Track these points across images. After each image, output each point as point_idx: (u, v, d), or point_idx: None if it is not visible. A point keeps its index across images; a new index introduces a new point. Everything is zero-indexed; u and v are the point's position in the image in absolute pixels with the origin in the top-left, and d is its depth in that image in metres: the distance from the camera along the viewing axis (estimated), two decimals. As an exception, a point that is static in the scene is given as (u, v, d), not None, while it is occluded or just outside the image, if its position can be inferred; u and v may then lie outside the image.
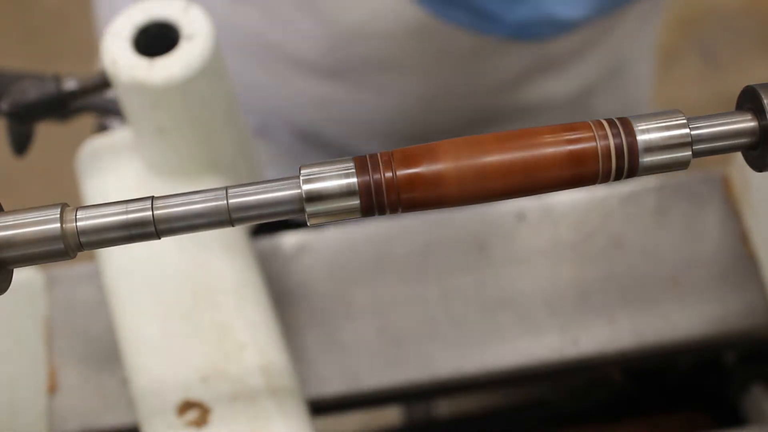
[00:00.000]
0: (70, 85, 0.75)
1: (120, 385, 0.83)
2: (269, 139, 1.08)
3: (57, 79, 0.75)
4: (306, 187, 0.49)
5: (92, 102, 0.81)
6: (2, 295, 0.50)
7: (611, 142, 0.50)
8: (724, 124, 0.51)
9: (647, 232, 0.89)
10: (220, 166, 0.79)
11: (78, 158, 0.83)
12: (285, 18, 0.95)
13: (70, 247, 0.49)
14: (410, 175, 0.49)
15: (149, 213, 0.49)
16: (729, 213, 0.90)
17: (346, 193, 0.49)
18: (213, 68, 0.72)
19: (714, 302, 0.86)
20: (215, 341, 0.72)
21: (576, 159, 0.50)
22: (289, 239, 0.91)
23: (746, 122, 0.51)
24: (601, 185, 0.52)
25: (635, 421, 1.04)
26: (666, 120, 0.50)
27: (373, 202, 0.50)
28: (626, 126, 0.50)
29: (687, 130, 0.50)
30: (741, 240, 0.88)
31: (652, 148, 0.50)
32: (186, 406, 0.70)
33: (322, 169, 0.50)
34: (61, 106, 0.75)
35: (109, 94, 0.76)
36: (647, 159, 0.50)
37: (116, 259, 0.77)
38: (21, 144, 0.79)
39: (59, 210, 0.49)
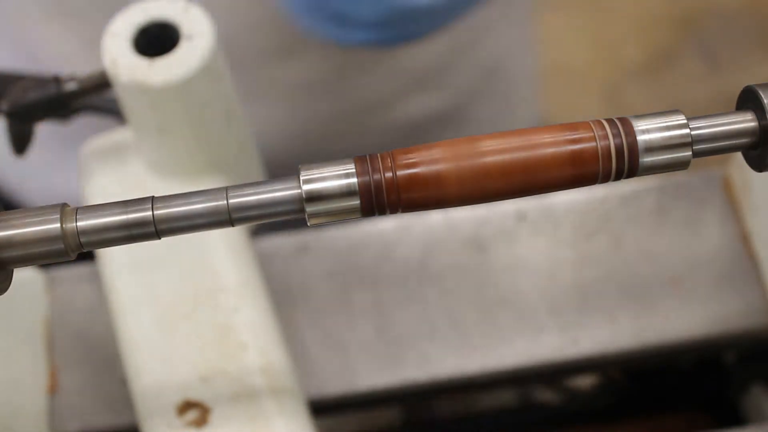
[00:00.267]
0: (70, 85, 0.75)
1: (120, 385, 0.83)
2: None
3: (57, 79, 0.75)
4: (306, 187, 0.49)
5: (92, 102, 0.81)
6: (2, 295, 0.50)
7: (611, 142, 0.50)
8: (724, 124, 0.51)
9: (647, 232, 0.89)
10: (220, 166, 0.79)
11: (78, 158, 0.83)
12: None
13: (70, 247, 0.49)
14: (410, 175, 0.49)
15: (149, 213, 0.49)
16: (729, 213, 0.90)
17: (346, 193, 0.49)
18: (213, 68, 0.72)
19: (714, 302, 0.86)
20: (215, 341, 0.72)
21: (576, 159, 0.50)
22: (289, 239, 0.91)
23: (746, 122, 0.51)
24: (601, 185, 0.52)
25: (635, 421, 1.04)
26: (666, 120, 0.50)
27: (373, 202, 0.50)
28: (626, 126, 0.50)
29: (687, 130, 0.50)
30: (741, 240, 0.88)
31: (653, 148, 0.50)
32: (186, 406, 0.70)
33: (322, 169, 0.50)
34: (61, 106, 0.75)
35: (109, 94, 0.76)
36: (647, 159, 0.50)
37: (116, 259, 0.77)
38: (21, 144, 0.79)
39: (59, 210, 0.49)
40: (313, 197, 0.49)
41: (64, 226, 0.48)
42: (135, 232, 0.49)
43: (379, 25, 0.87)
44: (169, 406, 0.70)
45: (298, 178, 0.49)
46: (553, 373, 0.93)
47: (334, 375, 0.85)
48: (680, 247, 0.88)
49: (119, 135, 0.81)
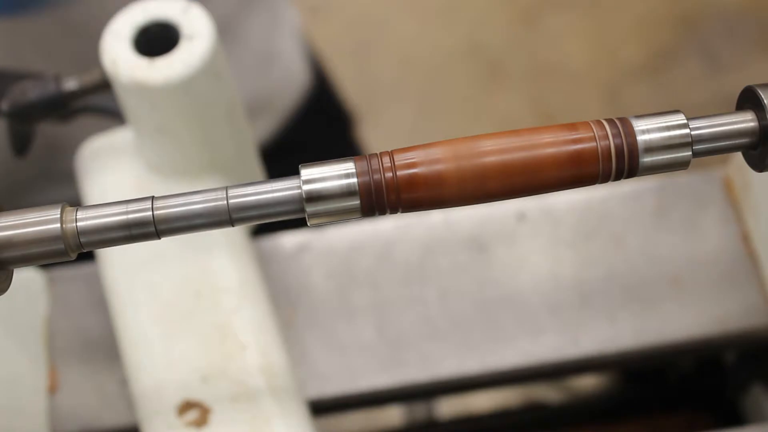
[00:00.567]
0: (70, 85, 0.75)
1: (120, 385, 0.83)
2: None
3: (57, 79, 0.75)
4: (306, 187, 0.49)
5: (92, 102, 0.81)
6: (2, 295, 0.50)
7: (611, 142, 0.50)
8: (724, 124, 0.51)
9: (647, 232, 0.89)
10: (220, 166, 0.79)
11: (78, 158, 0.83)
12: None
13: (70, 247, 0.49)
14: (410, 175, 0.49)
15: (149, 213, 0.49)
16: (729, 213, 0.90)
17: (346, 193, 0.49)
18: (213, 68, 0.72)
19: (714, 302, 0.86)
20: (215, 341, 0.72)
21: (576, 159, 0.50)
22: (289, 239, 0.91)
23: (746, 122, 0.51)
24: (601, 185, 0.52)
25: (635, 421, 1.04)
26: (666, 120, 0.51)
27: (373, 202, 0.50)
28: (626, 126, 0.50)
29: (687, 131, 0.50)
30: (741, 240, 0.88)
31: (653, 148, 0.50)
32: (186, 406, 0.70)
33: (322, 169, 0.50)
34: (61, 106, 0.75)
35: (109, 94, 0.76)
36: (647, 159, 0.50)
37: (116, 259, 0.77)
38: (21, 144, 0.79)
39: (59, 210, 0.49)
40: (313, 197, 0.49)
41: (64, 226, 0.49)
42: (135, 232, 0.49)
43: None
44: (169, 406, 0.70)
45: (299, 178, 0.49)
46: (553, 373, 0.93)
47: (334, 375, 0.85)
48: (680, 247, 0.88)
49: (119, 135, 0.81)
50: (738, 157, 0.80)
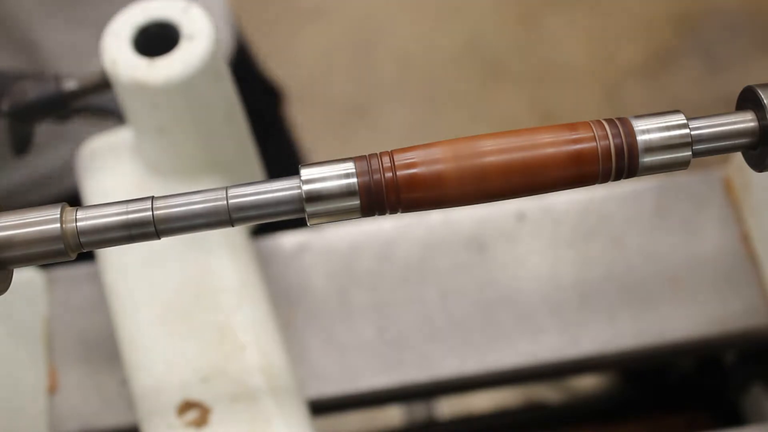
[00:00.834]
0: (70, 85, 0.75)
1: (120, 385, 0.83)
2: None
3: (57, 79, 0.75)
4: (306, 187, 0.49)
5: (92, 102, 0.81)
6: (2, 295, 0.50)
7: (611, 142, 0.50)
8: (724, 124, 0.51)
9: (647, 232, 0.89)
10: (220, 166, 0.79)
11: (78, 158, 0.83)
12: None
13: (70, 247, 0.49)
14: (410, 175, 0.49)
15: (149, 213, 0.49)
16: (729, 213, 0.90)
17: (346, 193, 0.49)
18: (213, 68, 0.72)
19: (714, 302, 0.86)
20: (215, 341, 0.72)
21: (576, 159, 0.50)
22: (289, 239, 0.91)
23: (746, 122, 0.51)
24: (601, 185, 0.52)
25: (635, 421, 1.04)
26: (666, 120, 0.51)
27: (373, 202, 0.50)
28: (626, 126, 0.50)
29: (687, 131, 0.50)
30: (741, 240, 0.88)
31: (652, 148, 0.50)
32: (186, 406, 0.70)
33: (322, 169, 0.50)
34: (61, 106, 0.75)
35: (109, 94, 0.76)
36: (647, 159, 0.50)
37: (116, 259, 0.77)
38: (21, 144, 0.79)
39: (59, 210, 0.49)
40: (313, 197, 0.49)
41: (64, 226, 0.49)
42: (135, 232, 0.49)
43: None
44: (169, 406, 0.70)
45: (299, 178, 0.50)
46: (553, 373, 0.93)
47: (334, 375, 0.85)
48: (680, 247, 0.88)
49: (119, 135, 0.81)
50: (738, 157, 0.80)
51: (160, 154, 0.77)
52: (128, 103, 0.73)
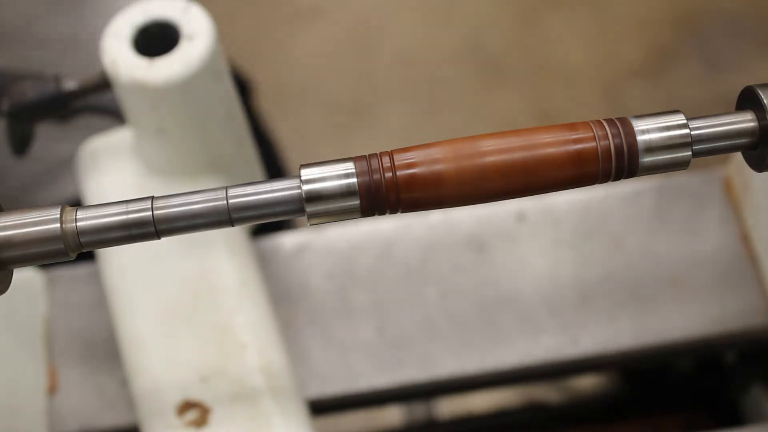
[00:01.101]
0: (70, 85, 0.75)
1: (120, 385, 0.83)
2: None
3: (57, 79, 0.75)
4: (306, 187, 0.49)
5: (92, 102, 0.81)
6: (2, 295, 0.50)
7: (611, 142, 0.50)
8: (724, 124, 0.51)
9: (647, 232, 0.89)
10: (220, 166, 0.79)
11: (78, 158, 0.83)
12: None
13: (69, 247, 0.49)
14: (410, 175, 0.49)
15: (149, 213, 0.49)
16: (729, 213, 0.90)
17: (346, 193, 0.49)
18: (213, 68, 0.72)
19: (714, 302, 0.86)
20: (215, 341, 0.72)
21: (576, 159, 0.50)
22: (289, 239, 0.91)
23: (746, 122, 0.51)
24: (601, 185, 0.52)
25: (635, 421, 1.04)
26: (666, 120, 0.51)
27: (373, 202, 0.50)
28: (626, 126, 0.50)
29: (687, 131, 0.50)
30: (741, 240, 0.88)
31: (652, 148, 0.50)
32: (186, 406, 0.70)
33: (322, 169, 0.50)
34: (61, 106, 0.75)
35: (109, 94, 0.76)
36: (647, 159, 0.50)
37: (116, 259, 0.77)
38: (21, 144, 0.79)
39: (59, 210, 0.49)
40: (313, 197, 0.49)
41: (63, 226, 0.49)
42: (135, 232, 0.49)
43: None
44: (169, 406, 0.70)
45: (298, 178, 0.50)
46: (553, 373, 0.93)
47: (334, 375, 0.85)
48: (680, 247, 0.88)
49: (119, 135, 0.81)
50: (738, 157, 0.80)
51: (160, 154, 0.77)
52: (128, 103, 0.73)
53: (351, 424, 1.40)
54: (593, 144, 0.50)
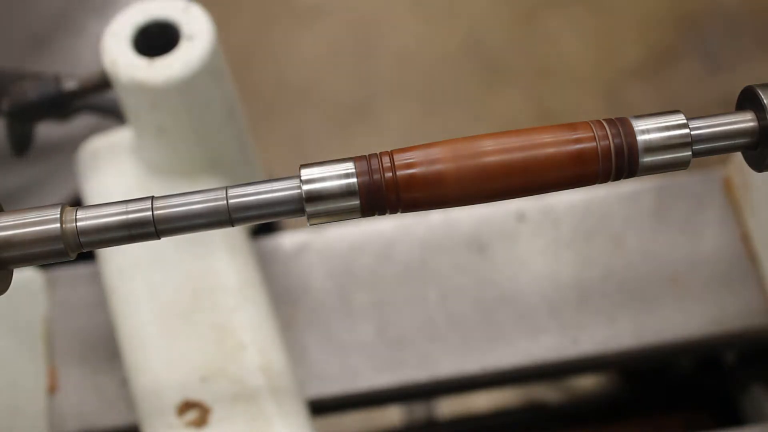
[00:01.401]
0: (70, 85, 0.75)
1: (120, 385, 0.83)
2: None
3: (57, 79, 0.75)
4: (306, 187, 0.49)
5: (92, 102, 0.81)
6: (2, 295, 0.50)
7: (611, 142, 0.50)
8: (724, 124, 0.51)
9: (647, 232, 0.89)
10: (220, 166, 0.79)
11: (78, 158, 0.83)
12: None
13: (70, 247, 0.49)
14: (410, 175, 0.49)
15: (149, 213, 0.49)
16: (729, 213, 0.90)
17: (346, 193, 0.49)
18: (213, 68, 0.72)
19: (714, 302, 0.86)
20: (215, 341, 0.72)
21: (576, 159, 0.50)
22: (289, 239, 0.91)
23: (746, 122, 0.51)
24: (601, 185, 0.52)
25: (635, 421, 1.04)
26: (666, 120, 0.51)
27: (373, 202, 0.50)
28: (626, 126, 0.50)
29: (687, 130, 0.50)
30: (741, 240, 0.88)
31: (652, 148, 0.50)
32: (186, 406, 0.70)
33: (322, 169, 0.50)
34: (61, 106, 0.75)
35: (109, 94, 0.76)
36: (647, 159, 0.50)
37: (116, 259, 0.77)
38: (21, 144, 0.79)
39: (59, 210, 0.49)
40: (313, 197, 0.49)
41: (63, 226, 0.49)
42: (135, 232, 0.49)
43: None
44: (169, 406, 0.70)
45: (298, 178, 0.50)
46: (552, 373, 0.93)
47: (334, 375, 0.85)
48: (680, 247, 0.88)
49: (119, 135, 0.81)
50: (738, 157, 0.80)
51: (160, 154, 0.77)
52: (128, 103, 0.73)
53: (351, 424, 1.40)
54: (593, 144, 0.50)
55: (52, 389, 0.84)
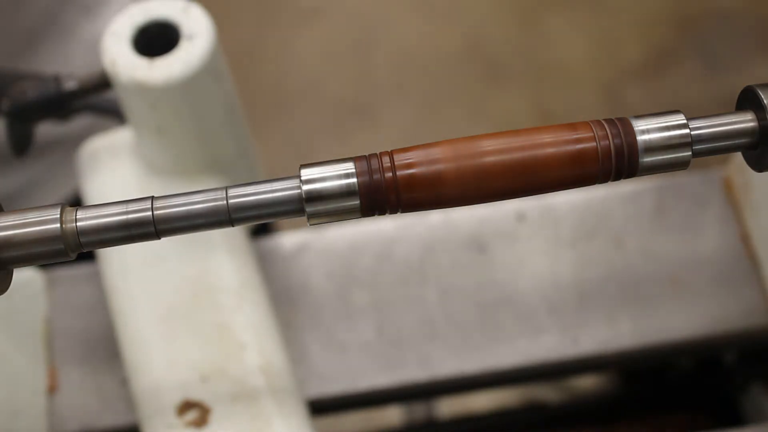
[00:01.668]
0: (70, 85, 0.75)
1: (120, 385, 0.83)
2: None
3: (57, 79, 0.75)
4: (306, 187, 0.49)
5: (92, 102, 0.81)
6: (2, 295, 0.50)
7: (611, 142, 0.50)
8: (724, 124, 0.51)
9: (647, 232, 0.89)
10: (220, 166, 0.79)
11: (78, 158, 0.83)
12: None
13: (70, 247, 0.49)
14: (410, 175, 0.49)
15: (149, 213, 0.49)
16: (729, 213, 0.90)
17: (346, 193, 0.49)
18: (213, 68, 0.72)
19: (714, 302, 0.86)
20: (215, 341, 0.72)
21: (576, 159, 0.50)
22: (289, 239, 0.91)
23: (746, 122, 0.51)
24: (601, 185, 0.52)
25: (635, 421, 1.04)
26: (666, 120, 0.51)
27: (373, 202, 0.50)
28: (626, 126, 0.50)
29: (687, 131, 0.50)
30: (741, 240, 0.88)
31: (652, 148, 0.50)
32: (186, 406, 0.70)
33: (322, 169, 0.50)
34: (61, 106, 0.75)
35: (109, 94, 0.76)
36: (647, 159, 0.50)
37: (116, 259, 0.77)
38: (21, 144, 0.79)
39: (59, 210, 0.49)
40: (313, 197, 0.49)
41: (63, 226, 0.49)
42: (135, 232, 0.49)
43: None
44: (169, 406, 0.70)
45: (299, 178, 0.49)
46: (553, 373, 0.93)
47: (334, 375, 0.85)
48: (680, 247, 0.88)
49: (119, 135, 0.81)
50: (738, 157, 0.80)
51: (160, 154, 0.77)
52: (128, 103, 0.73)
53: (351, 424, 1.40)
54: (593, 144, 0.50)
55: (52, 389, 0.84)
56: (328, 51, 2.29)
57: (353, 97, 2.22)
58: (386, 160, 0.50)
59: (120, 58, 0.71)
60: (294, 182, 0.50)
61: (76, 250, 0.49)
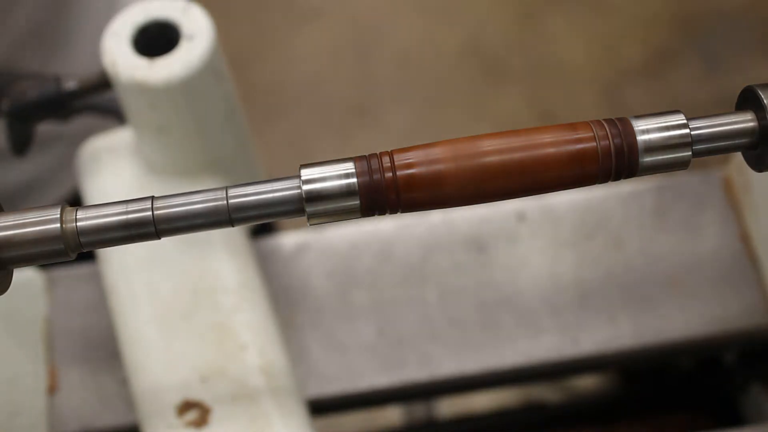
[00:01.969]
0: (70, 85, 0.75)
1: (120, 385, 0.83)
2: None
3: (57, 79, 0.75)
4: (306, 187, 0.49)
5: (92, 102, 0.81)
6: (2, 295, 0.50)
7: (611, 142, 0.50)
8: (724, 124, 0.51)
9: (647, 232, 0.89)
10: (220, 166, 0.79)
11: (78, 158, 0.83)
12: None
13: (70, 247, 0.49)
14: (410, 175, 0.49)
15: (149, 213, 0.49)
16: (729, 213, 0.90)
17: (346, 193, 0.49)
18: (213, 68, 0.72)
19: (714, 302, 0.86)
20: (215, 341, 0.72)
21: (576, 159, 0.50)
22: (289, 239, 0.91)
23: (746, 122, 0.51)
24: (601, 185, 0.52)
25: (635, 421, 1.04)
26: (666, 120, 0.51)
27: (373, 202, 0.50)
28: (626, 126, 0.50)
29: (687, 130, 0.50)
30: (741, 240, 0.88)
31: (652, 148, 0.50)
32: (186, 406, 0.70)
33: (322, 169, 0.50)
34: (61, 106, 0.75)
35: (109, 94, 0.76)
36: (647, 159, 0.50)
37: (116, 259, 0.77)
38: (21, 145, 0.79)
39: (59, 210, 0.49)
40: (313, 197, 0.49)
41: (64, 226, 0.49)
42: (135, 232, 0.49)
43: None
44: (169, 406, 0.70)
45: (299, 178, 0.50)
46: (552, 373, 0.93)
47: (334, 375, 0.85)
48: (680, 247, 0.88)
49: (119, 135, 0.81)
50: (738, 157, 0.80)
51: (160, 154, 0.77)
52: (128, 103, 0.73)
53: (351, 424, 1.40)
54: (593, 144, 0.50)
55: (52, 389, 0.84)
56: (328, 51, 2.29)
57: (353, 97, 2.22)
58: (386, 160, 0.50)
59: (120, 58, 0.71)
60: (294, 182, 0.50)
61: (76, 250, 0.49)
